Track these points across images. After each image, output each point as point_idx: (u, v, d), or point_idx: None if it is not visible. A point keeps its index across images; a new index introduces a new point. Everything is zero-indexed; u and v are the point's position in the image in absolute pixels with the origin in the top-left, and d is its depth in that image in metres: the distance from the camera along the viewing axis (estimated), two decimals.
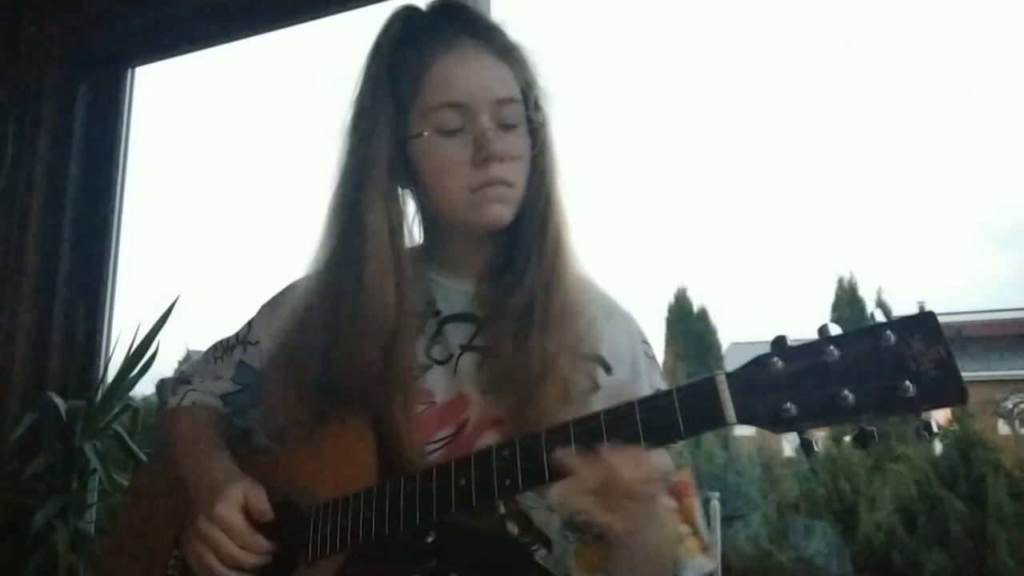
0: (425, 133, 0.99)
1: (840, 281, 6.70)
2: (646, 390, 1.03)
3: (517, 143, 1.00)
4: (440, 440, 1.02)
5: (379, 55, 1.04)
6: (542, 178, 1.03)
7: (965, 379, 0.70)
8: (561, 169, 1.05)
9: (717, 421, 0.75)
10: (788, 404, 0.73)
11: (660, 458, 0.79)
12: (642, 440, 0.79)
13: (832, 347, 0.72)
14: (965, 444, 5.75)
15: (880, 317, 0.72)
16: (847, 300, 6.70)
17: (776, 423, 0.73)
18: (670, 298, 6.83)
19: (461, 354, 1.05)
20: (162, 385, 1.28)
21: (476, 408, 1.01)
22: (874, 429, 0.71)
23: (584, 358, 1.00)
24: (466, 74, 0.98)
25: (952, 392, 0.69)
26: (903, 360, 0.70)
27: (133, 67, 2.69)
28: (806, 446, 0.75)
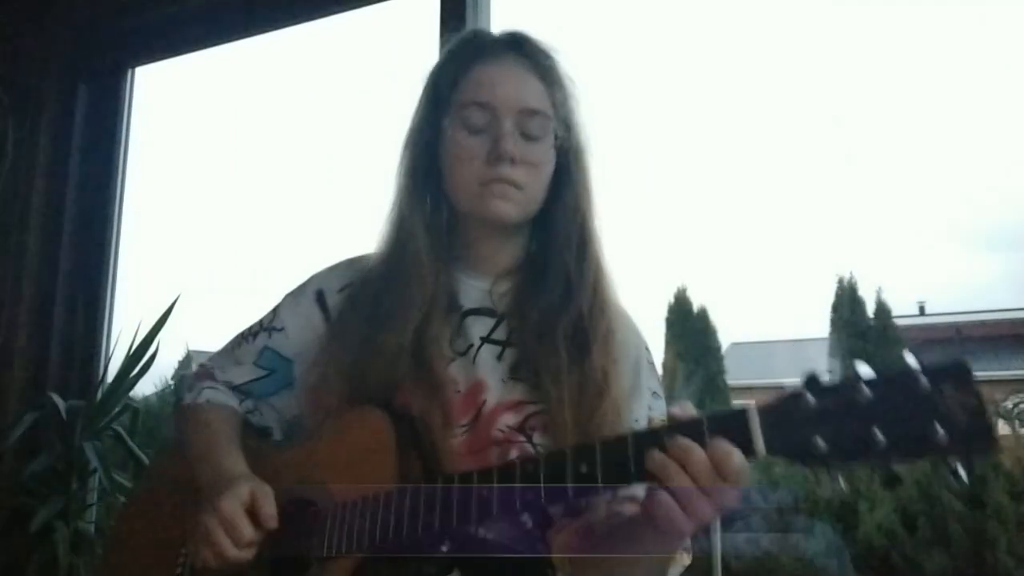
0: (452, 126, 1.08)
1: (840, 281, 6.69)
2: (644, 394, 1.09)
3: (535, 152, 1.07)
4: (461, 427, 1.04)
5: (432, 69, 1.15)
6: (576, 201, 1.10)
7: None
8: (595, 198, 1.12)
9: (747, 453, 0.76)
10: (818, 439, 0.73)
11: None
12: None
13: (864, 386, 0.72)
14: None
15: (911, 361, 0.71)
16: (847, 300, 6.69)
17: (805, 457, 0.73)
18: (670, 298, 6.84)
19: (481, 345, 1.09)
20: (181, 381, 1.28)
21: (494, 393, 1.06)
22: (901, 473, 0.70)
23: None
24: (499, 79, 1.07)
25: (983, 443, 0.68)
26: (936, 406, 0.69)
27: (133, 67, 2.69)
28: (834, 481, 0.74)
